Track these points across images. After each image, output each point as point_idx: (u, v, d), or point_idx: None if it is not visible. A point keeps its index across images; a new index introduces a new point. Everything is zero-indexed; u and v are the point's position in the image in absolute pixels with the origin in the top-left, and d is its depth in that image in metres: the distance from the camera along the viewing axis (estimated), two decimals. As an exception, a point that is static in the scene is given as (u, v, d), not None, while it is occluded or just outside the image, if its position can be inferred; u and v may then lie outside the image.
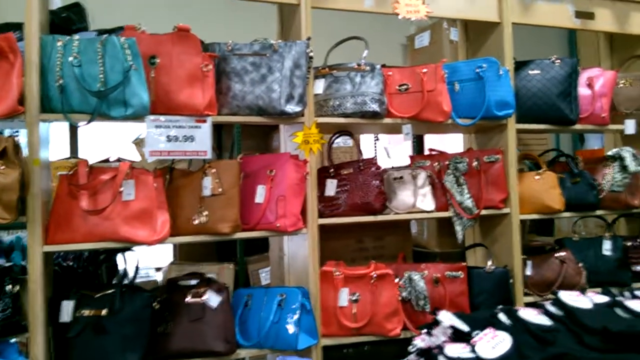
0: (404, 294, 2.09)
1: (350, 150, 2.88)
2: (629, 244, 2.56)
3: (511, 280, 2.27)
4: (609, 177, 2.52)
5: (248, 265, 2.89)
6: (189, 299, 1.87)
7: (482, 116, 2.18)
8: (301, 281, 2.09)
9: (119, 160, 2.48)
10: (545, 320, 1.72)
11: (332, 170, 2.20)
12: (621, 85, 2.58)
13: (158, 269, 3.00)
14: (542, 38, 3.83)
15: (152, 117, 1.76)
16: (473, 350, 1.52)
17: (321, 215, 2.08)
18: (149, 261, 2.97)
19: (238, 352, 1.91)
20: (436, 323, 1.71)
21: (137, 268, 1.90)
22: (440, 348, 1.56)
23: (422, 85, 2.13)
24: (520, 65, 2.39)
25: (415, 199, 2.19)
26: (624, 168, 2.49)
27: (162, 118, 1.78)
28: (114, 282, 2.25)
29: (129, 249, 1.86)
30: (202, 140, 1.83)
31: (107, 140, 3.13)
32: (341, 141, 2.81)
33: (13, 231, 2.43)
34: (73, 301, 1.76)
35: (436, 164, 2.31)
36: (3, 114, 1.62)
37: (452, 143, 2.88)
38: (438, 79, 2.12)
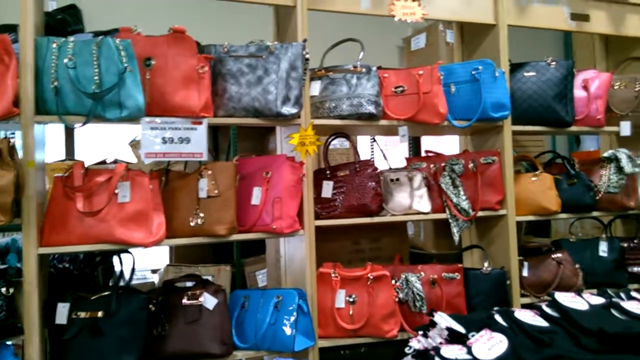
0: (400, 295, 2.09)
1: (347, 152, 2.88)
2: (625, 245, 2.56)
3: (508, 282, 2.27)
4: (605, 179, 2.53)
5: (245, 267, 2.89)
6: (185, 300, 1.87)
7: (478, 118, 2.19)
8: (298, 283, 2.08)
9: (115, 162, 2.48)
10: (541, 322, 1.72)
11: (328, 172, 2.20)
12: (616, 87, 2.59)
13: (154, 271, 2.99)
14: (538, 40, 3.83)
15: (147, 118, 1.76)
16: (469, 352, 1.52)
17: (318, 217, 2.09)
18: (145, 263, 2.97)
19: (235, 354, 1.90)
20: (432, 325, 1.72)
21: (133, 270, 1.89)
22: (436, 349, 1.56)
23: (418, 87, 2.13)
24: (515, 67, 2.40)
25: (412, 201, 2.19)
26: (619, 169, 2.50)
27: (157, 120, 1.77)
28: (110, 284, 2.25)
29: (124, 250, 1.85)
30: (197, 142, 1.82)
31: (103, 142, 3.13)
32: (338, 143, 2.81)
33: (8, 233, 2.42)
34: (69, 303, 1.75)
35: (432, 165, 2.31)
36: (-2, 116, 1.61)
37: (448, 145, 2.89)
38: (434, 81, 2.13)
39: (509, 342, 1.55)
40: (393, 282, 2.08)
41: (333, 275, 2.05)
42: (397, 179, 2.21)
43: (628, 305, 1.81)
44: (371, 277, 2.03)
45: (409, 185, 2.20)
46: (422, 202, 2.22)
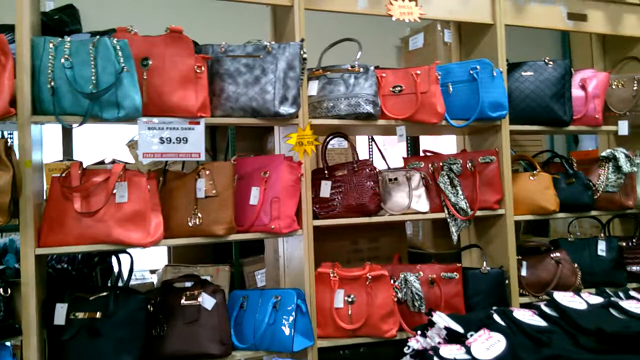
0: (399, 295, 2.08)
1: (346, 151, 2.88)
2: (623, 244, 2.56)
3: (507, 281, 2.27)
4: (603, 178, 2.53)
5: (244, 267, 2.89)
6: (183, 301, 1.87)
7: (476, 117, 2.19)
8: (296, 283, 2.08)
9: (113, 162, 2.48)
10: (540, 321, 1.72)
11: (326, 171, 2.20)
12: (614, 86, 2.59)
13: (153, 271, 2.99)
14: (535, 40, 3.84)
15: (144, 119, 1.75)
16: (468, 352, 1.51)
17: (316, 216, 2.09)
18: (144, 263, 2.97)
19: (233, 354, 1.90)
20: (431, 324, 1.71)
21: (131, 270, 1.89)
22: (435, 349, 1.55)
23: (415, 86, 2.13)
24: (513, 67, 2.40)
25: (410, 201, 2.19)
26: (618, 169, 2.50)
27: (155, 120, 1.77)
28: (108, 284, 2.25)
29: (122, 251, 1.85)
30: (195, 142, 1.82)
31: (102, 143, 3.12)
32: (336, 143, 2.81)
33: (6, 234, 2.42)
34: (67, 304, 1.75)
35: (430, 165, 2.31)
36: (-5, 116, 1.61)
37: (446, 144, 2.89)
38: (431, 81, 2.13)
39: (508, 342, 1.55)
40: (392, 281, 2.08)
41: (332, 275, 2.05)
42: (395, 179, 2.21)
43: (627, 304, 1.81)
44: (370, 277, 2.03)
45: (407, 184, 2.20)
46: (421, 202, 2.22)
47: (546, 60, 2.38)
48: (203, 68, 1.82)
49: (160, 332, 1.84)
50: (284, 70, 1.90)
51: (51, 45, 1.67)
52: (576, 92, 2.46)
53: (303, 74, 1.98)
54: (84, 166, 1.81)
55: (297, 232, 1.99)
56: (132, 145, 2.71)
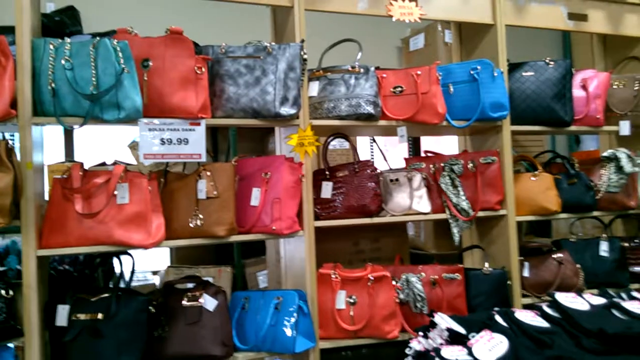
0: (401, 296, 2.08)
1: (347, 152, 2.88)
2: (626, 244, 2.56)
3: (509, 282, 2.26)
4: (605, 178, 2.53)
5: (246, 268, 2.89)
6: (185, 302, 1.86)
7: (477, 118, 2.19)
8: (298, 284, 2.08)
9: (115, 163, 2.48)
10: (542, 322, 1.72)
11: (327, 172, 2.20)
12: (615, 86, 2.59)
13: (155, 272, 2.99)
14: (536, 40, 3.84)
15: (145, 120, 1.75)
16: (470, 353, 1.51)
17: (317, 217, 2.08)
18: (146, 264, 2.97)
19: (235, 356, 1.90)
20: (433, 325, 1.71)
21: (132, 271, 1.89)
22: (437, 351, 1.55)
23: (416, 87, 2.13)
24: (514, 67, 2.39)
25: (411, 201, 2.19)
26: (619, 169, 2.50)
27: (155, 121, 1.77)
28: (110, 285, 2.25)
29: (123, 252, 1.85)
30: (196, 143, 1.82)
31: (104, 144, 3.13)
32: (337, 144, 2.81)
33: (8, 235, 2.42)
34: (69, 305, 1.75)
35: (431, 166, 2.31)
36: (-5, 118, 1.61)
37: (448, 145, 2.89)
38: (432, 81, 2.12)
39: (510, 343, 1.55)
40: (393, 282, 2.07)
41: (333, 276, 2.05)
42: (397, 180, 2.20)
43: (629, 305, 1.81)
44: (371, 278, 2.02)
45: (409, 185, 2.20)
46: (422, 203, 2.21)
47: (547, 61, 2.37)
48: (203, 69, 1.82)
49: (161, 334, 1.84)
50: (284, 71, 1.90)
51: (51, 46, 1.67)
52: (577, 92, 2.46)
53: (303, 74, 1.98)
54: (86, 167, 1.81)
55: (298, 233, 1.99)
56: (134, 146, 2.71)
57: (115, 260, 1.99)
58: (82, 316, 1.74)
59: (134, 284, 2.21)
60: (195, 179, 1.87)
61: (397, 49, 3.80)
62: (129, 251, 1.84)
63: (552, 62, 2.36)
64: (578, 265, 2.37)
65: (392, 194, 2.20)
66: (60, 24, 2.04)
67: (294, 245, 2.13)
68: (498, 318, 1.70)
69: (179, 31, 1.78)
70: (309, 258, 2.00)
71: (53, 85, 1.65)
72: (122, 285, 1.90)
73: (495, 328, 1.63)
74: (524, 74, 2.37)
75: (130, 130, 2.53)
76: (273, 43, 1.94)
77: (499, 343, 1.55)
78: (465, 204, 2.22)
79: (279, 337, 1.88)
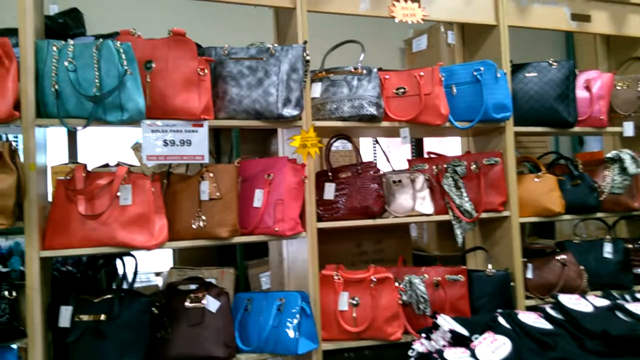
0: (404, 297, 2.08)
1: (350, 153, 2.88)
2: (630, 246, 2.54)
3: (512, 284, 2.26)
4: (609, 180, 2.52)
5: (248, 269, 2.89)
6: (188, 303, 1.87)
7: (480, 119, 2.18)
8: (301, 285, 2.08)
9: (118, 165, 2.49)
10: (545, 324, 1.71)
11: (330, 173, 2.19)
12: (619, 87, 2.58)
13: (158, 274, 3.00)
14: (539, 40, 3.83)
15: (148, 121, 1.76)
16: (473, 355, 1.51)
17: (320, 219, 2.08)
18: (149, 266, 2.97)
19: (238, 357, 1.90)
20: (435, 327, 1.71)
21: (135, 273, 1.89)
22: (439, 352, 1.55)
23: (419, 88, 2.13)
24: (517, 68, 2.39)
25: (414, 203, 2.18)
26: (623, 170, 2.49)
27: (158, 122, 1.77)
28: (113, 287, 2.25)
29: (126, 253, 1.85)
30: (199, 144, 1.82)
31: (107, 145, 3.14)
32: (340, 145, 2.81)
33: (12, 237, 2.43)
34: (72, 306, 1.75)
35: (434, 167, 2.31)
36: (-1, 120, 1.62)
37: (451, 146, 2.88)
38: (435, 82, 2.12)
39: (513, 345, 1.54)
40: (396, 284, 2.07)
41: (336, 277, 2.05)
42: (400, 181, 2.20)
43: (633, 307, 1.80)
44: (374, 279, 2.02)
45: (411, 186, 2.20)
46: (425, 204, 2.21)
47: (550, 62, 2.37)
48: (206, 70, 1.82)
49: (164, 335, 1.84)
50: (287, 73, 1.91)
51: (55, 48, 1.68)
52: (581, 93, 2.45)
53: (306, 76, 1.98)
54: (89, 169, 1.81)
55: (301, 235, 1.99)
56: (137, 148, 2.72)
57: (118, 262, 2.00)
58: (85, 317, 1.74)
59: (136, 285, 2.21)
60: (198, 181, 1.87)
61: (399, 50, 3.80)
62: (132, 252, 1.84)
63: (555, 63, 2.36)
64: (582, 267, 2.37)
65: (395, 195, 2.19)
66: (63, 26, 2.05)
67: (296, 246, 2.13)
68: (501, 320, 1.69)
69: (182, 33, 1.79)
70: (312, 259, 2.00)
71: (56, 87, 1.66)
72: (124, 286, 1.90)
73: (498, 330, 1.62)
74: (527, 75, 2.36)
75: (133, 132, 2.53)
76: (275, 44, 1.94)
77: (502, 345, 1.54)
78: (468, 205, 2.22)
79: (282, 339, 1.88)
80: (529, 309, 2.01)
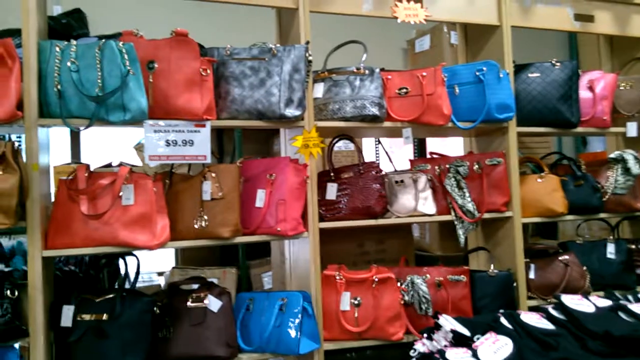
0: (406, 297, 2.07)
1: (352, 154, 2.87)
2: (633, 247, 2.54)
3: (514, 284, 2.25)
4: (612, 180, 2.51)
5: (250, 269, 2.89)
6: (190, 303, 1.87)
7: (483, 119, 2.18)
8: (303, 285, 2.08)
9: (120, 164, 2.49)
10: (547, 325, 1.71)
11: (332, 173, 2.19)
12: (622, 87, 2.57)
13: (160, 274, 3.00)
14: (542, 41, 3.82)
15: (150, 121, 1.76)
16: (475, 355, 1.51)
17: (322, 219, 2.08)
18: (151, 265, 2.98)
19: (239, 357, 1.90)
20: (437, 327, 1.71)
21: (137, 272, 1.90)
22: (441, 353, 1.55)
23: (421, 88, 2.13)
24: (520, 69, 2.39)
25: (417, 203, 2.18)
26: (626, 170, 2.49)
27: (161, 123, 1.78)
28: (115, 286, 2.25)
29: (128, 253, 1.86)
30: (201, 144, 1.82)
31: (110, 145, 3.15)
32: (342, 145, 2.81)
33: (14, 236, 2.44)
34: (74, 306, 1.75)
35: (437, 167, 2.30)
36: (1, 119, 1.62)
37: (454, 146, 2.88)
38: (437, 82, 2.12)
39: (515, 345, 1.54)
40: (398, 284, 2.07)
41: (338, 277, 2.05)
42: (402, 181, 2.20)
43: (635, 307, 1.80)
44: (376, 280, 2.02)
45: (414, 187, 2.20)
46: (427, 204, 2.21)
47: (553, 62, 2.36)
48: (208, 71, 1.82)
49: (166, 335, 1.84)
50: (289, 73, 1.91)
51: (57, 48, 1.68)
52: (584, 93, 2.45)
53: (308, 76, 1.98)
54: (91, 169, 1.82)
55: (303, 235, 1.99)
56: (140, 148, 2.72)
57: (120, 261, 2.00)
58: (87, 317, 1.75)
59: (138, 285, 2.21)
60: (200, 181, 1.87)
61: (402, 51, 3.80)
62: (134, 252, 1.85)
63: (558, 64, 2.35)
64: (584, 268, 2.36)
65: (397, 195, 2.19)
66: (67, 27, 2.05)
67: (298, 246, 2.13)
68: (503, 320, 1.69)
69: (184, 33, 1.79)
70: (314, 259, 2.00)
71: (59, 87, 1.66)
72: (127, 286, 1.91)
73: (500, 330, 1.62)
74: (530, 75, 2.36)
75: (135, 132, 2.54)
76: (278, 45, 1.94)
77: (504, 345, 1.54)
78: (470, 206, 2.22)
79: (284, 339, 1.88)
80: (532, 309, 2.00)
